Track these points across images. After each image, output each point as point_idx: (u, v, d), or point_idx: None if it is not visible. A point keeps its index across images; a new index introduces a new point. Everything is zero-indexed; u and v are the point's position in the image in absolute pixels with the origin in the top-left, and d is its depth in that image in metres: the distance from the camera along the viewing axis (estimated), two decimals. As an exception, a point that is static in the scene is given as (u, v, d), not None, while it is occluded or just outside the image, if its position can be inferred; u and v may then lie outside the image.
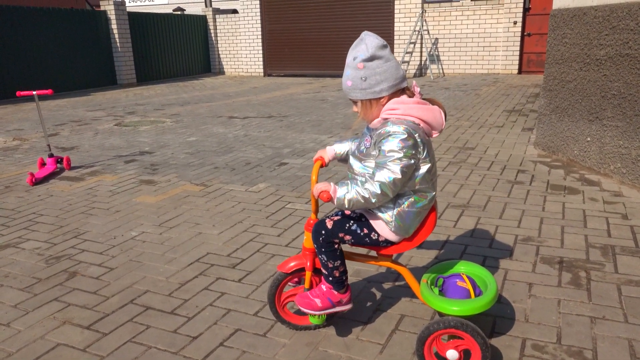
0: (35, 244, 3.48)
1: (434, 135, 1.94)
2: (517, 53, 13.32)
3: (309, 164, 5.25)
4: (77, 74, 13.48)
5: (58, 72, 12.99)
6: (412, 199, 1.95)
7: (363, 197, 1.87)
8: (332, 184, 1.95)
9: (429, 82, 12.58)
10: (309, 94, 11.40)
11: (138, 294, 2.73)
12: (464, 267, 2.16)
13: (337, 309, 2.12)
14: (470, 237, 3.24)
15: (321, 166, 2.26)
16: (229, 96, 11.60)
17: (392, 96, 1.92)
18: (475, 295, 2.01)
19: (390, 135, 1.83)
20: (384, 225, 2.00)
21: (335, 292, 2.10)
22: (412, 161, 1.84)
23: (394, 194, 1.87)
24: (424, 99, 1.96)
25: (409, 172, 1.85)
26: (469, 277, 2.07)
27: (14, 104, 11.19)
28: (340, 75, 1.98)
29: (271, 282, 2.28)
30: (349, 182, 1.93)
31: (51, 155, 5.33)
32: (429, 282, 2.09)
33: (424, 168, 1.91)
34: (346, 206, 1.90)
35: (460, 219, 3.55)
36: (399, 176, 1.83)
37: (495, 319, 2.31)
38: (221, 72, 17.84)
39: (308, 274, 2.16)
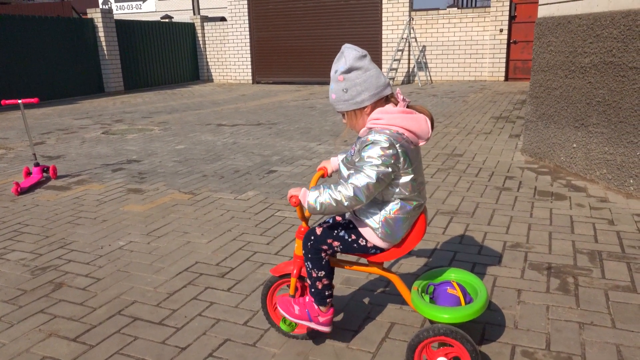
0: (20, 254, 3.43)
1: (421, 144, 1.95)
2: (504, 60, 13.47)
3: (298, 172, 5.25)
4: (63, 82, 13.38)
5: (44, 80, 12.88)
6: (398, 206, 1.95)
7: (335, 199, 1.86)
8: (303, 188, 1.95)
9: (417, 89, 12.67)
10: (297, 102, 11.41)
11: (126, 305, 2.69)
12: (454, 275, 2.17)
13: (312, 325, 2.10)
14: (459, 244, 3.25)
15: (323, 176, 2.26)
16: (217, 104, 11.57)
17: (376, 105, 1.93)
18: (466, 303, 2.01)
19: (372, 143, 1.84)
20: (371, 232, 2.00)
21: (315, 306, 2.08)
22: (390, 169, 1.84)
23: (367, 200, 1.86)
24: (410, 106, 1.97)
25: (385, 180, 1.85)
26: (459, 285, 2.07)
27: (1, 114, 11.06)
28: (329, 83, 1.99)
29: (264, 284, 2.31)
30: (322, 186, 1.93)
31: (37, 165, 5.27)
32: (419, 289, 2.09)
33: (405, 178, 1.91)
34: (317, 209, 1.89)
35: (450, 226, 3.57)
36: (373, 181, 1.82)
37: (485, 326, 2.32)
38: (210, 79, 17.81)
39: (293, 280, 2.16)
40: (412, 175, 1.92)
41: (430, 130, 1.95)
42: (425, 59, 14.37)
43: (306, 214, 2.05)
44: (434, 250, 3.18)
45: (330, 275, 2.09)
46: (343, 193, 1.85)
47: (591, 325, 2.29)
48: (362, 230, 2.02)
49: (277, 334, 2.33)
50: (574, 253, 3.04)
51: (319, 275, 2.05)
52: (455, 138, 6.54)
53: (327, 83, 15.14)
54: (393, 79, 14.19)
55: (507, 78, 13.70)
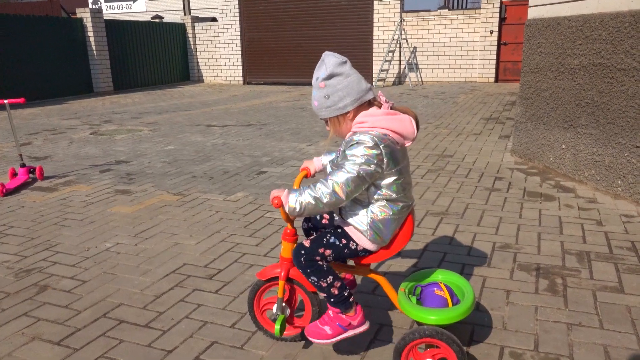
0: (4, 257, 3.37)
1: (407, 144, 1.94)
2: (494, 62, 13.54)
3: (288, 173, 5.23)
4: (52, 82, 13.25)
5: (32, 80, 12.74)
6: (384, 208, 1.94)
7: (314, 197, 1.84)
8: (286, 190, 1.93)
9: (407, 91, 12.69)
10: (288, 102, 11.39)
11: (111, 307, 2.65)
12: (441, 276, 2.16)
13: (351, 332, 2.05)
14: (449, 245, 3.24)
15: (306, 177, 2.25)
16: (207, 104, 11.52)
17: (359, 109, 1.92)
18: (453, 304, 2.00)
19: (357, 142, 1.83)
20: (360, 235, 1.98)
21: (343, 315, 2.04)
22: (372, 168, 1.82)
23: (347, 197, 1.84)
24: (394, 108, 1.95)
25: (367, 178, 1.83)
26: (446, 286, 2.06)
27: (-14, 113, 10.92)
28: None
29: (251, 288, 2.27)
30: (303, 187, 1.91)
31: (23, 165, 5.20)
32: (406, 291, 2.08)
33: (390, 179, 1.90)
34: (297, 210, 1.87)
35: (439, 227, 3.56)
36: (354, 175, 1.81)
37: (474, 327, 2.31)
38: (200, 80, 17.74)
39: (281, 283, 2.13)
40: (397, 176, 1.90)
41: (416, 131, 1.93)
42: (416, 60, 14.41)
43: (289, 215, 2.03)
44: (423, 251, 3.17)
45: (337, 275, 2.05)
46: (322, 190, 1.84)
47: (579, 326, 2.29)
48: (350, 232, 2.00)
49: (264, 337, 2.30)
50: (563, 254, 3.04)
51: (329, 282, 2.00)
52: (445, 139, 6.56)
53: (318, 84, 15.14)
54: (384, 80, 14.22)
55: (497, 79, 13.77)
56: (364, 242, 1.98)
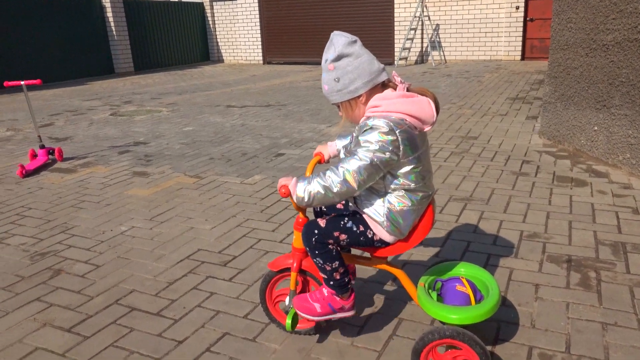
0: (21, 239, 3.35)
1: (426, 129, 1.79)
2: (520, 39, 13.08)
3: (307, 155, 5.10)
4: (73, 63, 13.30)
5: (54, 61, 12.81)
6: (402, 198, 1.81)
7: (324, 186, 1.72)
8: (294, 178, 1.81)
9: (430, 69, 12.37)
10: (308, 82, 11.21)
11: (124, 294, 2.60)
12: (464, 270, 2.03)
13: (338, 315, 1.98)
14: (473, 233, 3.09)
15: (320, 162, 2.14)
16: (227, 84, 11.42)
17: (372, 92, 1.78)
18: (476, 301, 1.87)
19: (371, 128, 1.70)
20: (377, 225, 1.86)
21: (338, 298, 1.95)
22: (387, 156, 1.69)
23: (359, 186, 1.71)
24: (411, 90, 1.81)
25: (381, 166, 1.70)
26: (469, 281, 1.93)
27: (8, 94, 11.04)
28: None
29: (262, 279, 2.18)
30: (313, 175, 1.79)
31: (42, 147, 5.19)
32: (426, 285, 1.95)
33: (407, 167, 1.76)
34: (305, 200, 1.76)
35: (463, 213, 3.41)
36: (367, 163, 1.68)
37: (500, 324, 2.18)
38: (220, 60, 17.62)
39: (293, 275, 2.02)
40: (415, 164, 1.77)
41: (435, 114, 1.78)
42: (439, 37, 14.02)
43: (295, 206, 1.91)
44: (446, 239, 3.03)
45: (343, 261, 1.95)
46: (332, 178, 1.71)
47: (615, 326, 2.13)
48: (368, 221, 1.88)
49: (277, 329, 2.21)
50: (596, 245, 2.87)
51: (333, 267, 1.91)
52: (469, 120, 6.33)
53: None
54: (406, 59, 13.88)
55: (523, 57, 13.32)
56: (381, 233, 1.86)
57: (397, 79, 1.81)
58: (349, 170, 1.69)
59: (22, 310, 2.49)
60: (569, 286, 2.45)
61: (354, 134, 1.82)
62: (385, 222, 1.83)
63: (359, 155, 1.69)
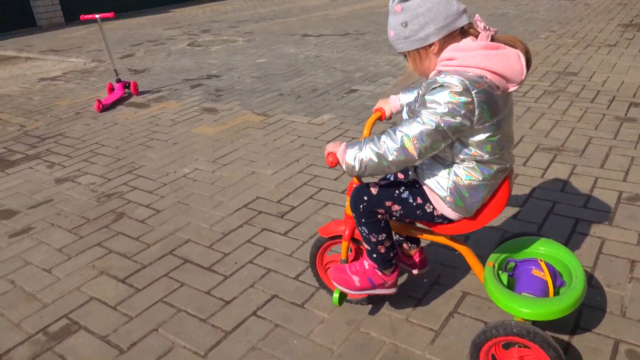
0: (91, 178, 3.42)
1: (512, 89, 1.45)
2: (643, -49, 11.22)
3: (381, 92, 4.76)
4: (156, -11, 13.35)
5: (138, -12, 12.93)
6: (472, 170, 1.51)
7: (377, 153, 1.46)
8: (344, 143, 1.56)
9: (530, -10, 11.05)
10: (391, 7, 10.46)
11: (179, 244, 2.56)
12: (543, 248, 1.73)
13: (377, 291, 1.79)
14: (560, 192, 2.71)
15: (380, 119, 1.87)
16: (306, 10, 10.97)
17: (448, 41, 1.44)
18: (555, 289, 1.59)
19: (441, 85, 1.38)
20: (438, 199, 1.59)
21: (379, 273, 1.75)
22: (458, 121, 1.38)
23: (419, 156, 1.44)
24: (496, 39, 1.45)
25: (449, 134, 1.41)
26: (548, 265, 1.64)
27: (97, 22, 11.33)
28: None
29: (313, 244, 2.02)
30: (365, 139, 1.53)
31: (119, 81, 5.26)
32: (496, 265, 1.69)
33: (482, 134, 1.44)
34: (356, 170, 1.52)
35: (551, 167, 3.00)
36: (431, 128, 1.39)
37: (581, 309, 1.88)
38: (302, -17, 16.92)
39: (344, 244, 1.83)
40: (492, 132, 1.45)
41: (525, 71, 1.43)
42: (544, -48, 12.39)
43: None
44: (528, 197, 2.68)
45: (391, 234, 1.74)
46: (388, 144, 1.45)
47: None
48: (429, 194, 1.61)
49: (327, 296, 2.07)
50: None
51: (379, 239, 1.70)
52: (570, 51, 5.57)
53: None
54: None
55: (645, -27, 11.49)
56: (443, 208, 1.59)
57: (481, 25, 1.45)
58: (409, 135, 1.42)
59: (83, 255, 2.53)
60: (675, 270, 2.07)
61: (421, 91, 1.52)
62: (448, 197, 1.56)
63: (422, 118, 1.41)
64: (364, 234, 1.71)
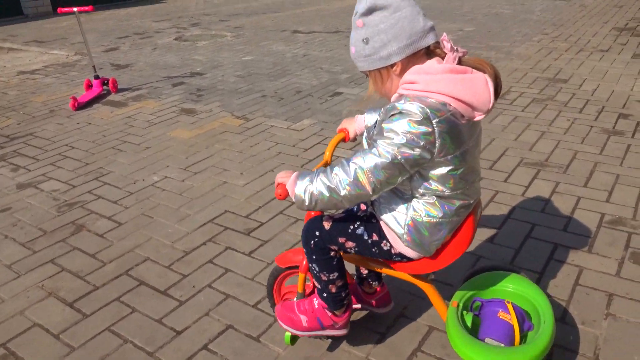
0: (55, 184, 3.27)
1: (478, 118, 1.31)
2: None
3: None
4: (148, -21, 13.09)
5: (129, -22, 12.67)
6: (432, 207, 1.38)
7: (329, 187, 1.32)
8: (295, 173, 1.41)
9: (526, -12, 10.88)
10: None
11: (136, 262, 2.42)
12: (512, 286, 1.60)
13: (327, 332, 1.66)
14: (541, 213, 2.58)
15: (344, 141, 1.73)
16: (299, 4, 10.77)
17: (411, 61, 1.30)
18: (522, 334, 1.47)
19: (399, 113, 1.24)
20: (395, 236, 1.45)
21: (329, 313, 1.62)
22: (417, 153, 1.25)
23: (374, 191, 1.30)
24: (465, 62, 1.31)
25: (405, 166, 1.27)
26: (515, 307, 1.51)
27: (86, 14, 11.11)
28: None
29: (271, 272, 1.88)
30: (318, 169, 1.38)
31: (97, 77, 5.08)
32: (460, 305, 1.56)
33: (444, 168, 1.31)
34: (306, 204, 1.36)
35: (533, 184, 2.87)
36: (387, 162, 1.25)
37: (552, 350, 1.75)
38: (297, -25, 16.69)
39: (301, 276, 1.69)
40: (455, 165, 1.31)
41: (493, 99, 1.29)
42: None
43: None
44: (506, 218, 2.55)
45: (344, 273, 1.61)
46: (340, 177, 1.31)
47: None
48: (386, 230, 1.48)
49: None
50: (700, 243, 2.28)
51: (330, 278, 1.58)
52: (562, 56, 5.43)
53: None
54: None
55: (643, -27, 11.33)
56: (399, 246, 1.46)
57: (447, 45, 1.30)
58: (363, 168, 1.28)
59: (34, 273, 2.39)
60: (654, 309, 1.94)
61: (379, 117, 1.38)
62: (405, 235, 1.42)
63: (378, 149, 1.27)
64: (314, 272, 1.58)
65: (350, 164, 1.31)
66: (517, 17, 7.80)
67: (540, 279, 2.10)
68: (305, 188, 1.36)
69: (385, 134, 1.26)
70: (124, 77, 5.77)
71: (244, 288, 2.19)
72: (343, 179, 1.31)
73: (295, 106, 4.45)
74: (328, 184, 1.33)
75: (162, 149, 3.72)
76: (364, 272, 1.82)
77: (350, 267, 1.90)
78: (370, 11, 1.27)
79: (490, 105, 1.29)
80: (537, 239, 2.37)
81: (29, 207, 3.01)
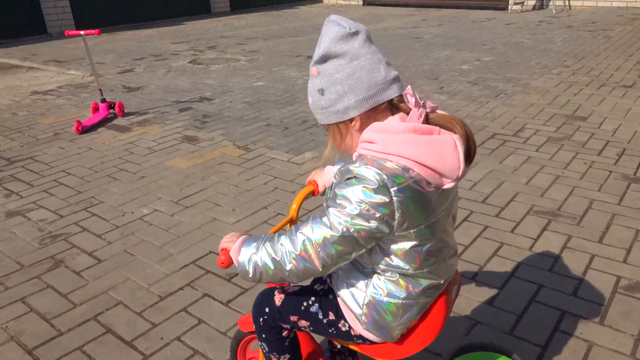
0: (43, 213, 3.16)
1: (447, 186, 1.12)
2: (671, -17, 10.82)
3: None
4: (171, 2, 13.27)
5: (153, 1, 12.86)
6: (394, 285, 1.19)
7: (274, 259, 1.14)
8: (243, 237, 1.22)
9: (548, 18, 10.69)
10: (405, 29, 10.19)
11: (108, 306, 2.27)
12: (503, 375, 1.39)
13: None
14: (549, 272, 2.35)
15: (313, 194, 1.56)
16: (317, 29, 10.73)
17: (371, 117, 1.14)
18: None
19: (355, 177, 1.07)
20: (353, 317, 1.26)
21: None
22: (374, 226, 1.07)
23: (324, 267, 1.12)
24: (433, 121, 1.13)
25: (360, 241, 1.09)
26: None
27: (108, 33, 11.26)
28: (447, 5, 1.17)
29: (234, 335, 1.71)
30: (266, 235, 1.20)
31: (104, 101, 5.03)
32: (442, 394, 1.36)
33: (406, 243, 1.13)
34: (250, 275, 1.18)
35: (543, 236, 2.65)
36: (338, 235, 1.08)
37: None
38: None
39: (261, 355, 1.50)
40: (420, 240, 1.13)
41: (464, 165, 1.10)
42: (567, -20, 12.04)
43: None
44: (509, 277, 2.33)
45: (299, 355, 1.42)
46: (286, 248, 1.13)
47: None
48: (343, 308, 1.29)
49: (251, 399, 1.75)
50: None
51: None
52: (582, 91, 5.20)
53: (446, 6, 13.45)
54: (522, 3, 12.14)
55: (672, 6, 11.07)
56: (358, 328, 1.27)
57: (411, 100, 1.13)
58: (311, 240, 1.10)
59: (1, 312, 2.26)
60: (671, 402, 1.70)
61: (335, 179, 1.20)
62: (363, 317, 1.23)
63: (330, 218, 1.09)
64: (264, 351, 1.39)
65: (298, 233, 1.13)
66: (538, 47, 7.59)
67: (543, 354, 1.87)
68: (250, 257, 1.17)
69: (338, 201, 1.09)
70: (134, 100, 5.73)
71: (214, 343, 2.01)
72: (289, 251, 1.13)
73: (299, 137, 4.31)
74: (273, 255, 1.15)
75: (157, 179, 3.60)
76: (338, 345, 1.63)
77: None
78: (324, 59, 1.12)
79: (460, 172, 1.10)
80: (543, 304, 2.14)
81: (12, 237, 2.90)
